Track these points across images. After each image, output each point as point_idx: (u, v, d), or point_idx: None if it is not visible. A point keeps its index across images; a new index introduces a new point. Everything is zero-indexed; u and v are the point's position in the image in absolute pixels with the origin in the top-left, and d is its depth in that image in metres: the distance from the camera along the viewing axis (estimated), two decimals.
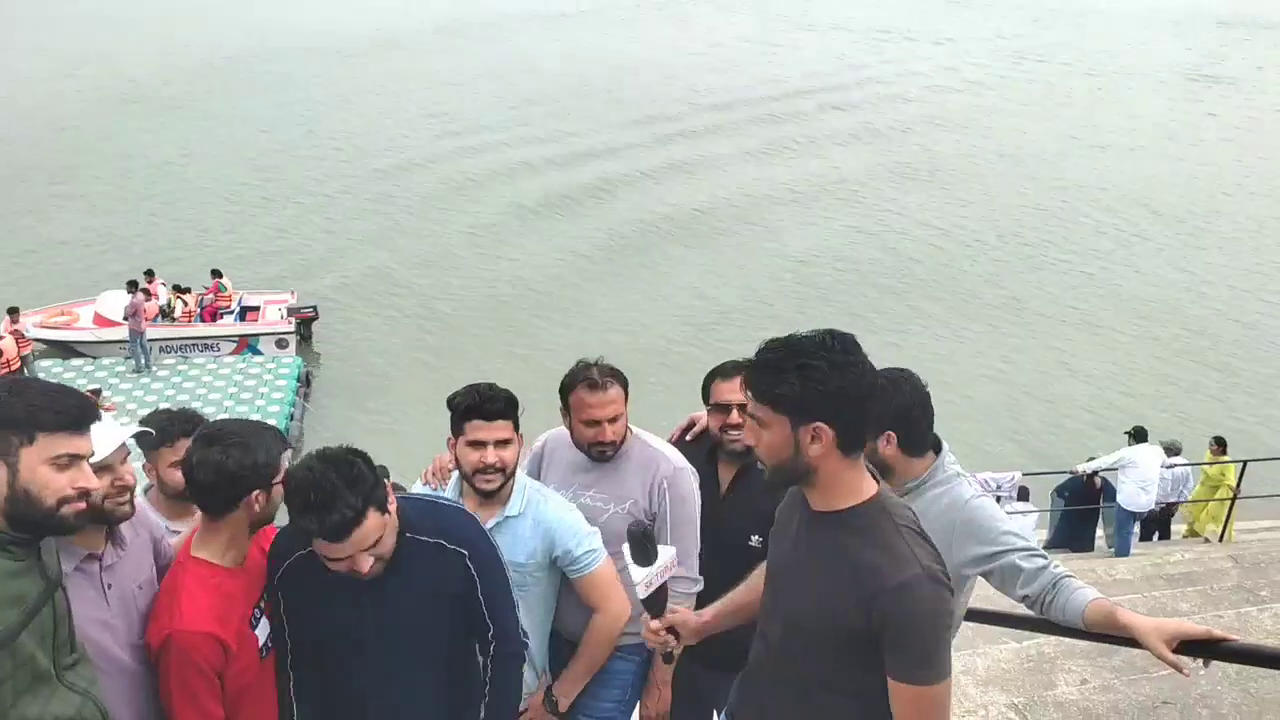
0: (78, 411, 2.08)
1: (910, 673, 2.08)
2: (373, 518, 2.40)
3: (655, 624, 2.52)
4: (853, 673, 2.17)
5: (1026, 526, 9.64)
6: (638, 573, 2.40)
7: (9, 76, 35.93)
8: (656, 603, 2.48)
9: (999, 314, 21.35)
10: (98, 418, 2.16)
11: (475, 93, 36.70)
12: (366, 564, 2.44)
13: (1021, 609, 2.93)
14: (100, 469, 2.27)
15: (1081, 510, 11.01)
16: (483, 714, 2.74)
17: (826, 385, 2.06)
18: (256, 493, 2.53)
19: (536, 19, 49.74)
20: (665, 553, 2.44)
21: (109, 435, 2.34)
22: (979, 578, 2.91)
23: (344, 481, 2.36)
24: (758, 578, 2.67)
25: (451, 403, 3.00)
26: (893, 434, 2.87)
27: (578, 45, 44.28)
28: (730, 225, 25.50)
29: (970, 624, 5.88)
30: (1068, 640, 5.67)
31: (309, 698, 2.68)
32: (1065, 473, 11.23)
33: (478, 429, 2.94)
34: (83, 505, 2.08)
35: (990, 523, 2.83)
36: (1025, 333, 20.59)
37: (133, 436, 2.50)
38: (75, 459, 2.07)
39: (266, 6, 49.98)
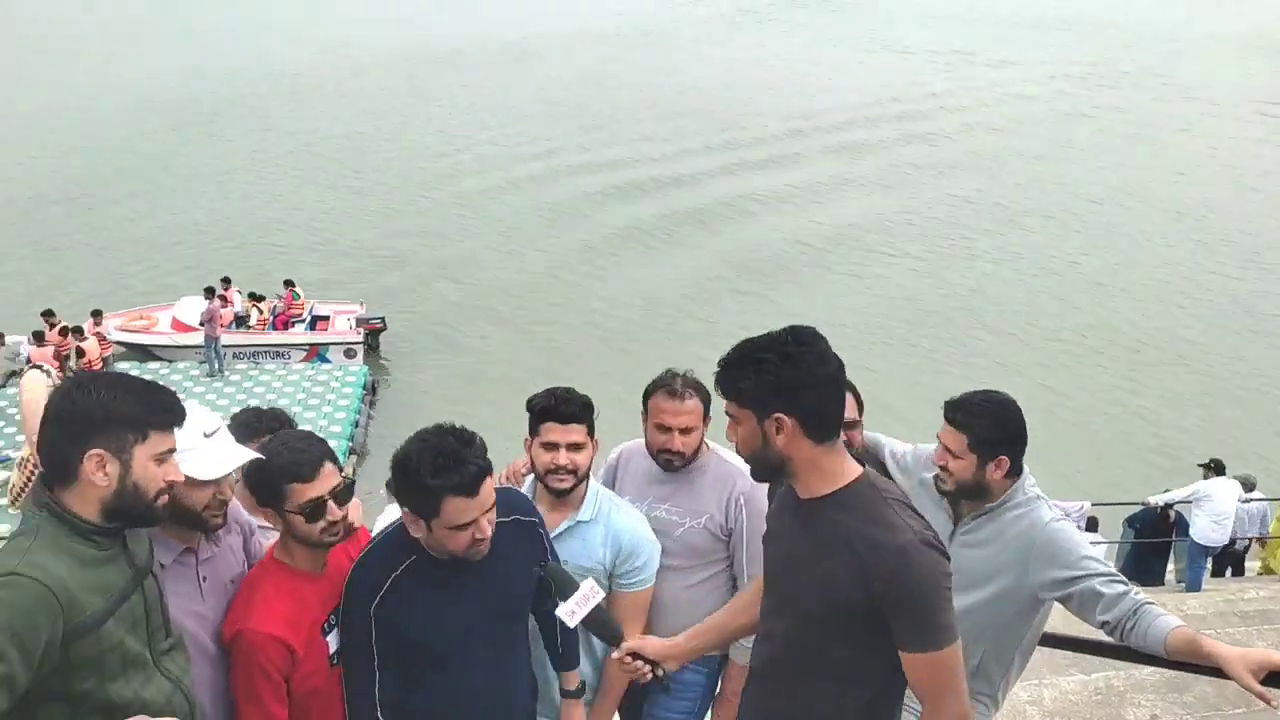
0: (180, 410, 2.18)
1: (919, 640, 2.12)
2: (490, 479, 2.50)
3: (615, 653, 2.66)
4: (860, 656, 2.21)
5: None
6: (561, 607, 2.59)
7: (98, 86, 37.17)
8: (602, 631, 2.67)
9: (1073, 341, 20.98)
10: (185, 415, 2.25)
11: (544, 110, 37.07)
12: (490, 527, 2.51)
13: (1096, 634, 2.90)
14: (208, 483, 2.37)
15: (1152, 543, 10.75)
16: (562, 654, 2.95)
17: (779, 376, 2.15)
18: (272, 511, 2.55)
19: (603, 38, 50.11)
20: (584, 583, 2.63)
21: (229, 456, 2.43)
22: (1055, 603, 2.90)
23: (461, 443, 2.46)
24: (739, 599, 2.74)
25: (530, 404, 3.06)
26: (1005, 459, 2.88)
27: (643, 65, 44.51)
28: (815, 256, 25.22)
29: (1040, 650, 5.83)
30: (1137, 674, 5.58)
31: (402, 712, 2.69)
32: (1137, 504, 10.98)
33: (552, 430, 2.99)
34: (167, 498, 2.16)
35: (1070, 546, 2.81)
36: (1099, 359, 20.21)
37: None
38: (170, 453, 2.16)
39: (337, 22, 51.08)
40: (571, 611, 2.61)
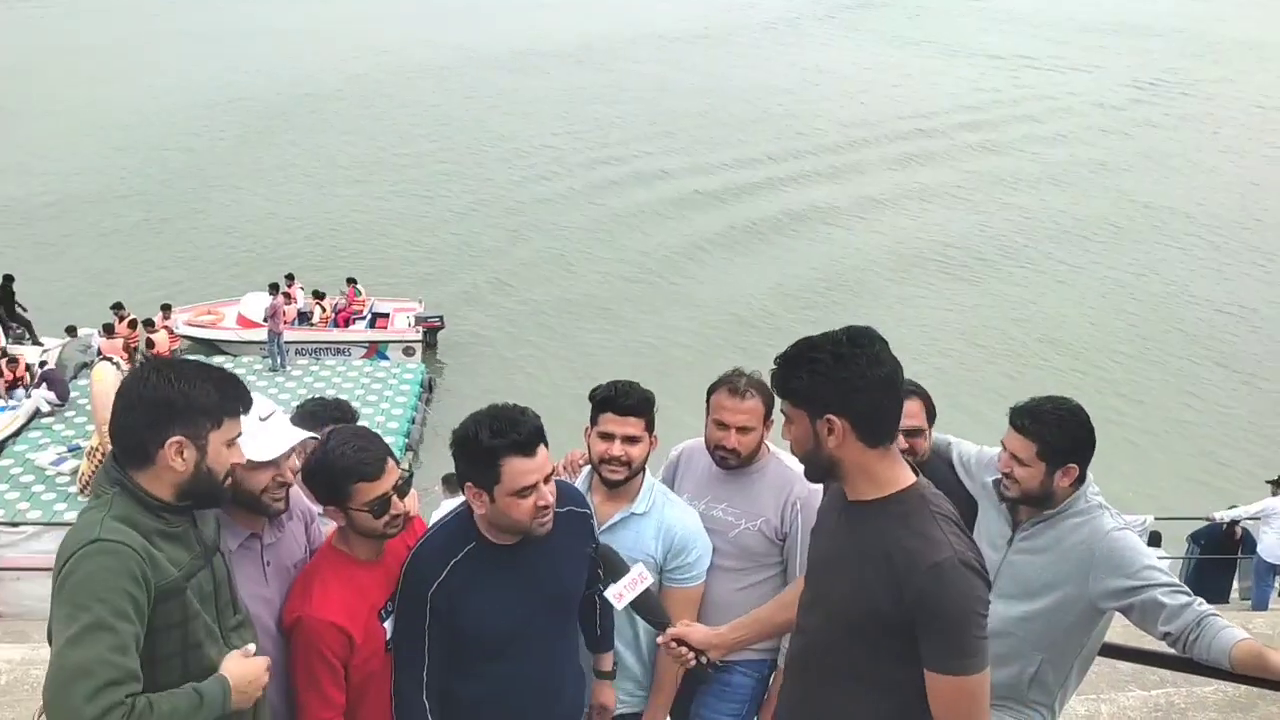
0: (247, 397, 2.29)
1: (945, 662, 2.07)
2: (545, 447, 2.58)
3: (660, 638, 2.69)
4: (888, 665, 2.17)
5: None
6: (610, 588, 2.65)
7: (169, 87, 38.09)
8: (649, 616, 2.71)
9: (1138, 352, 20.57)
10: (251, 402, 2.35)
11: (604, 113, 37.20)
12: (551, 496, 2.58)
13: (1157, 645, 2.85)
14: (267, 464, 2.44)
15: (1217, 560, 10.51)
16: (601, 636, 3.03)
17: (832, 377, 2.12)
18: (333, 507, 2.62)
19: (665, 41, 50.15)
20: (634, 567, 2.70)
21: (283, 437, 2.50)
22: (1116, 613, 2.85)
23: (515, 410, 2.59)
24: (783, 595, 2.75)
25: (592, 394, 3.12)
26: (1074, 467, 2.85)
27: (703, 70, 44.46)
28: (877, 266, 24.89)
29: (1098, 665, 5.71)
30: (1199, 691, 5.44)
31: (452, 700, 2.74)
32: (1202, 519, 10.74)
33: (609, 421, 3.03)
34: (230, 480, 2.27)
35: (1132, 555, 2.76)
36: (1166, 371, 19.79)
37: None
38: (238, 438, 2.26)
39: (401, 25, 51.75)
40: (620, 594, 2.66)
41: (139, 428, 2.13)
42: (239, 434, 2.25)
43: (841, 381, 2.12)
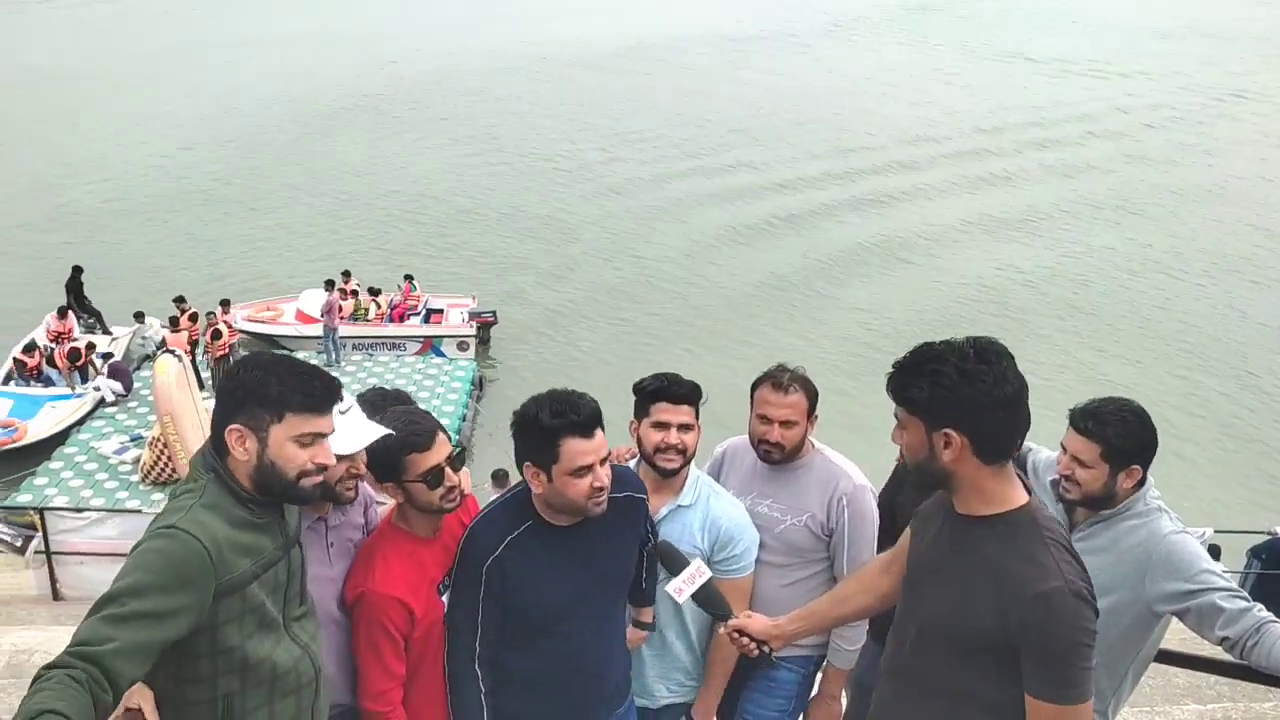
0: (323, 394, 2.27)
1: (1049, 690, 2.03)
2: (602, 430, 2.64)
3: (722, 628, 2.71)
4: (985, 683, 2.13)
5: None
6: (671, 583, 2.70)
7: (231, 86, 38.88)
8: (711, 608, 2.74)
9: (1200, 361, 20.14)
10: (340, 399, 2.35)
11: (653, 113, 37.24)
12: (607, 478, 2.63)
13: (1215, 651, 2.80)
14: (342, 457, 2.49)
15: (1278, 575, 10.23)
16: (645, 590, 3.04)
17: (955, 392, 2.05)
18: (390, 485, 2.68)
19: (712, 42, 50.05)
20: (693, 561, 2.75)
21: (361, 432, 2.56)
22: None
23: (574, 393, 2.66)
24: (841, 588, 2.74)
25: (639, 386, 3.16)
26: (1137, 468, 2.82)
27: (759, 70, 44.33)
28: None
29: (1154, 678, 5.60)
30: (1256, 706, 5.32)
31: (502, 671, 2.80)
32: (1264, 533, 10.48)
33: (663, 410, 3.06)
34: (319, 479, 2.27)
35: (1190, 559, 2.72)
36: (1227, 380, 19.34)
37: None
38: (318, 437, 2.25)
39: (459, 24, 52.29)
40: (680, 589, 2.70)
41: (215, 417, 2.24)
42: (314, 432, 2.24)
43: (965, 398, 2.05)
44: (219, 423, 2.22)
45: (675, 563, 2.73)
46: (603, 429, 2.64)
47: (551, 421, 2.58)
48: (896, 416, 2.20)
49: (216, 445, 2.23)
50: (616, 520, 2.76)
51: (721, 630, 2.76)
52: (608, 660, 2.90)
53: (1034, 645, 2.02)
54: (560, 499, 2.64)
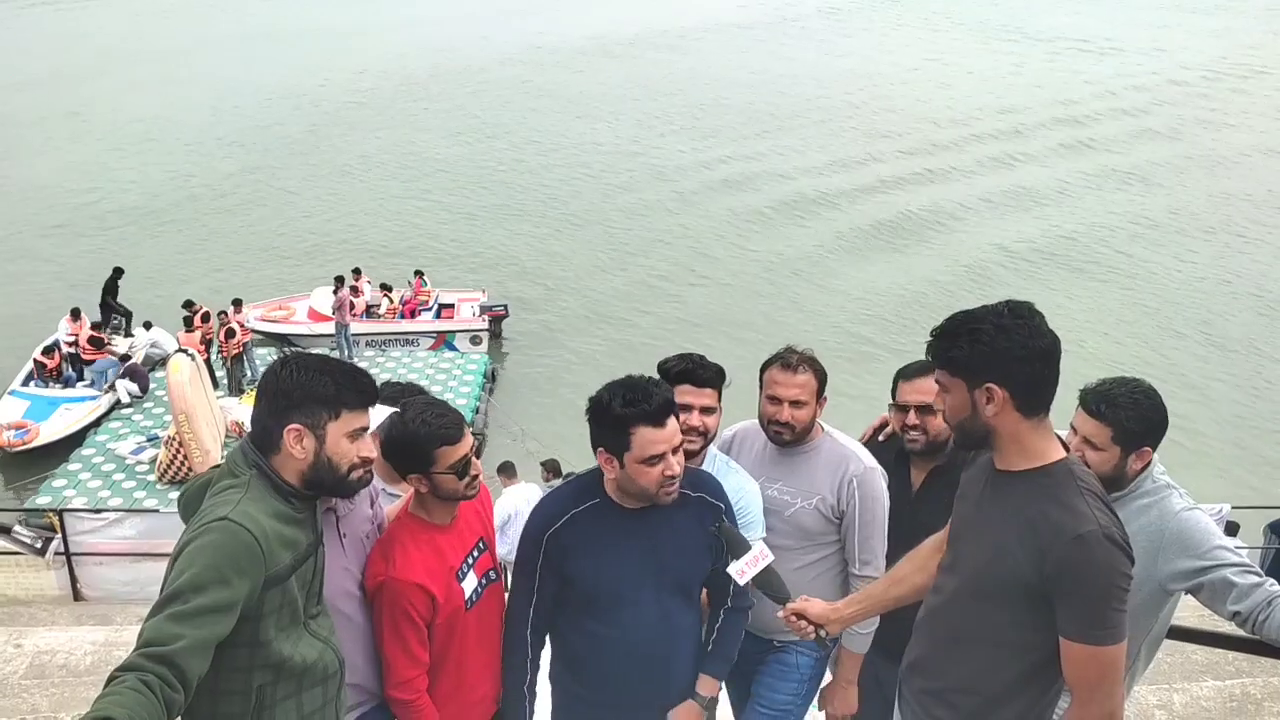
0: (372, 391, 2.39)
1: (1084, 632, 2.11)
2: (675, 420, 2.67)
3: (780, 612, 2.74)
4: (1023, 629, 2.21)
5: None
6: (733, 565, 2.71)
7: (240, 85, 38.92)
8: (771, 591, 2.74)
9: (1218, 336, 20.04)
10: (379, 396, 2.45)
11: (665, 102, 37.14)
12: (679, 467, 2.66)
13: (1228, 627, 2.79)
14: None
15: None
16: (710, 653, 2.98)
17: (994, 347, 2.17)
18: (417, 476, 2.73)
19: (731, 29, 49.82)
20: (755, 545, 2.75)
21: (375, 415, 2.58)
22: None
23: (649, 382, 2.69)
24: (897, 570, 2.76)
25: (663, 367, 3.15)
26: (1148, 450, 2.83)
27: (767, 58, 44.12)
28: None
29: (1173, 655, 5.59)
30: (1275, 682, 5.31)
31: (563, 647, 2.87)
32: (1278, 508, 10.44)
33: (687, 393, 3.08)
34: (363, 471, 2.37)
35: (1202, 535, 2.72)
36: (1247, 355, 19.24)
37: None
38: (362, 431, 2.36)
39: (463, 21, 52.19)
40: (741, 571, 2.71)
41: (266, 416, 2.30)
42: (362, 426, 2.34)
43: (1003, 351, 2.16)
44: (271, 420, 2.28)
45: (738, 546, 2.74)
46: (676, 418, 2.68)
47: (624, 410, 2.62)
48: (939, 381, 2.31)
49: (261, 442, 2.29)
50: (686, 516, 2.79)
51: (779, 614, 2.77)
52: (668, 659, 2.88)
53: (1070, 588, 2.10)
54: (632, 485, 2.69)
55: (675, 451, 2.65)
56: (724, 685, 3.33)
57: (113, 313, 19.36)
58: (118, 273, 19.85)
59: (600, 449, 2.71)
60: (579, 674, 2.86)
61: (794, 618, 2.73)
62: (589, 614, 2.79)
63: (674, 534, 2.77)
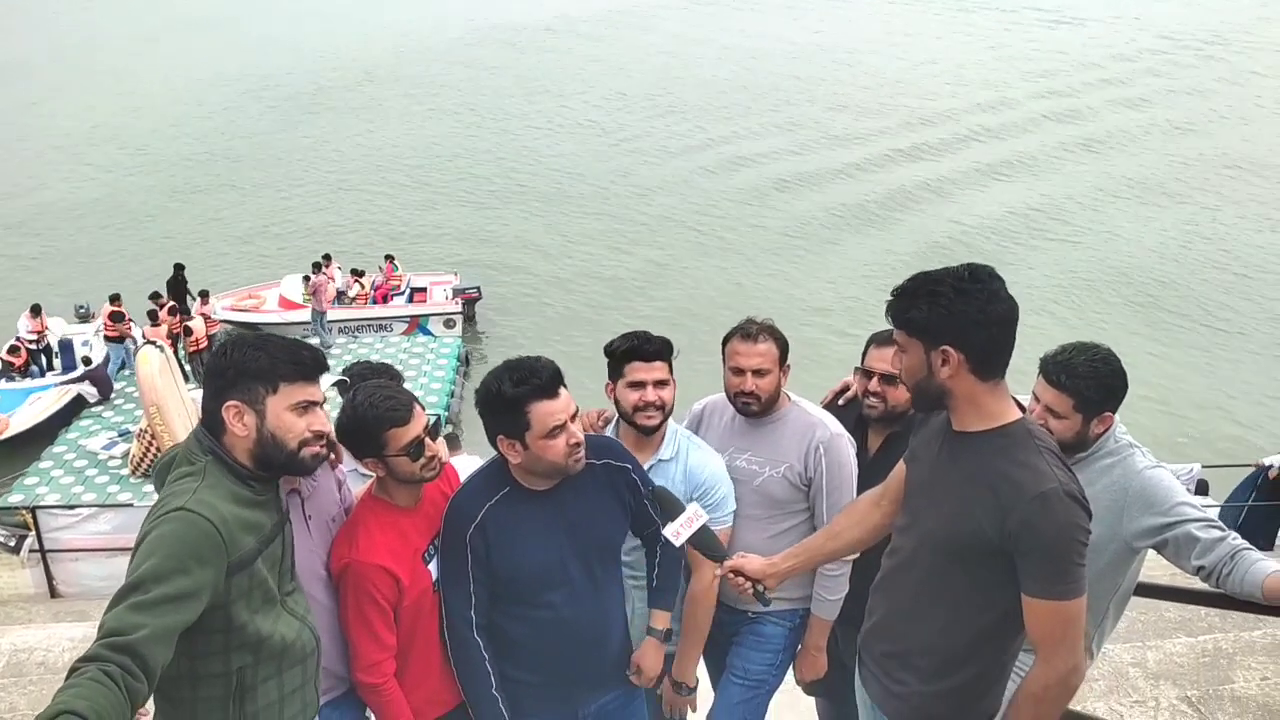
0: (312, 362, 2.34)
1: (1046, 588, 2.12)
2: (565, 389, 2.68)
3: (718, 570, 2.78)
4: (984, 587, 2.23)
5: None
6: (668, 527, 2.73)
7: (201, 75, 38.41)
8: (707, 550, 2.77)
9: (1187, 299, 20.30)
10: (327, 369, 2.41)
11: (642, 81, 36.95)
12: (580, 433, 2.67)
13: (1199, 583, 2.83)
14: None
15: (1265, 506, 10.32)
16: (655, 587, 3.05)
17: (952, 310, 2.17)
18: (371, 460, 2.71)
19: (688, 5, 49.56)
20: (689, 506, 2.78)
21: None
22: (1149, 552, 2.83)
23: (530, 359, 2.69)
24: (834, 524, 2.80)
25: (609, 348, 3.15)
26: (1110, 415, 2.85)
27: (752, 34, 43.93)
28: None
29: (1145, 613, 5.67)
30: (1246, 636, 5.39)
31: (500, 637, 2.85)
32: (1247, 466, 10.56)
33: (637, 370, 3.08)
34: (317, 447, 2.33)
35: (1165, 493, 2.74)
36: (1214, 317, 19.50)
37: (333, 385, 2.74)
38: (311, 405, 2.32)
39: (437, 2, 51.66)
40: (677, 532, 2.73)
41: (208, 398, 2.28)
42: (308, 399, 2.31)
43: (961, 314, 2.17)
44: (212, 402, 2.26)
45: (672, 507, 2.76)
46: (565, 387, 2.67)
47: (515, 390, 2.61)
48: (896, 340, 2.31)
49: (211, 425, 2.27)
50: (595, 485, 2.80)
51: (717, 572, 2.79)
52: (602, 631, 2.91)
53: (1032, 546, 2.10)
54: (540, 463, 2.68)
55: (573, 419, 2.67)
56: (702, 659, 3.35)
57: (184, 308, 18.90)
58: (179, 269, 19.61)
59: (500, 436, 2.69)
60: (519, 659, 2.85)
61: (732, 575, 2.75)
62: (523, 600, 2.79)
63: (587, 505, 2.79)
